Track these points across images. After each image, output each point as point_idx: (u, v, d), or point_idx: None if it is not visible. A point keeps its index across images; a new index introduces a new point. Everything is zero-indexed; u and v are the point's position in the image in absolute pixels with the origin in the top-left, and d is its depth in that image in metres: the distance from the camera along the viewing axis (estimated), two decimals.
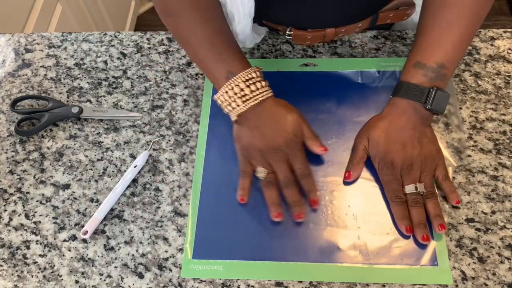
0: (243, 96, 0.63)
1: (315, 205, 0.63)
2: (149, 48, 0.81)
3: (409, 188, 0.61)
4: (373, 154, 0.64)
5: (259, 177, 0.64)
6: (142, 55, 0.80)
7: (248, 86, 0.63)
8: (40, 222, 0.65)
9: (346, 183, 0.65)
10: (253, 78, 0.64)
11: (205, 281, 0.59)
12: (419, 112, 0.63)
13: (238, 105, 0.63)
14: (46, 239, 0.63)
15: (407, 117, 0.63)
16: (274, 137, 0.63)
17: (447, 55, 0.63)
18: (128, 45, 0.82)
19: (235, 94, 0.63)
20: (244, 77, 0.63)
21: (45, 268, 0.61)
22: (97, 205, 0.66)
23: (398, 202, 0.61)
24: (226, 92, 0.64)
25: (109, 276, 0.60)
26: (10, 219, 0.65)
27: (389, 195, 0.62)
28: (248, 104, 0.63)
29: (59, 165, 0.69)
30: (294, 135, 0.63)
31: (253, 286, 0.59)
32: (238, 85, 0.63)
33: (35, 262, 0.62)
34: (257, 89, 0.63)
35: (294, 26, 0.76)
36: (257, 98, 0.63)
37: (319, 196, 0.64)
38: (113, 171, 0.68)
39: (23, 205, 0.66)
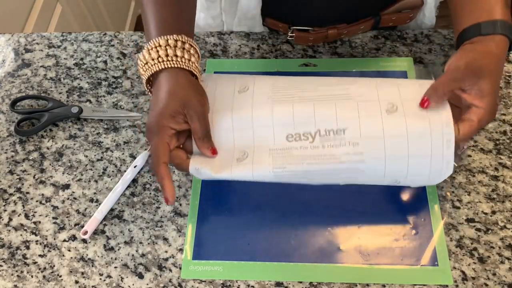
0: (145, 63, 0.57)
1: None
2: None
3: None
4: (478, 91, 0.56)
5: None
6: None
7: (149, 54, 0.57)
8: (40, 222, 0.65)
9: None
10: (160, 45, 0.56)
11: (205, 281, 0.59)
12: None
13: (141, 73, 0.58)
14: (46, 239, 0.63)
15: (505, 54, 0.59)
16: (150, 115, 0.57)
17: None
18: (128, 45, 0.82)
19: (140, 60, 0.58)
20: (151, 44, 0.57)
21: (45, 268, 0.61)
22: (97, 205, 0.65)
23: None
24: (138, 57, 0.59)
25: (109, 276, 0.60)
26: (10, 219, 0.65)
27: None
28: (147, 72, 0.57)
29: (59, 165, 0.69)
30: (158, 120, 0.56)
31: (253, 287, 0.59)
32: (142, 53, 0.58)
33: (35, 262, 0.62)
34: (159, 57, 0.56)
35: (295, 23, 0.76)
36: (154, 68, 0.56)
37: (319, 196, 0.64)
38: (113, 171, 0.68)
39: (23, 205, 0.66)
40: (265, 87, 0.61)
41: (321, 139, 0.57)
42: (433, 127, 0.55)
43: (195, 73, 0.58)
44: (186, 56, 0.56)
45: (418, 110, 0.56)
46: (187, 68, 0.57)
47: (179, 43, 0.57)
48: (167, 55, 0.56)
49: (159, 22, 0.59)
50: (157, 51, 0.56)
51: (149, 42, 0.57)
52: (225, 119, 0.59)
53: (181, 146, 0.59)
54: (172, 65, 0.56)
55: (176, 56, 0.56)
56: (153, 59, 0.56)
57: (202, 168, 0.57)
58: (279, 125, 0.58)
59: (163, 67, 0.56)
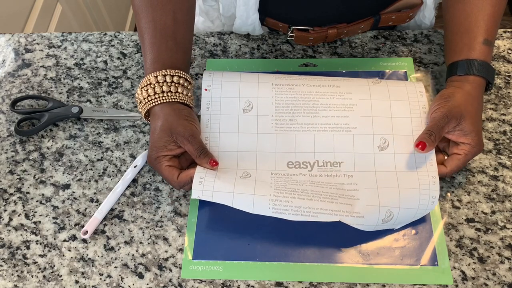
0: (140, 102, 0.64)
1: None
2: None
3: None
4: (464, 132, 0.61)
5: None
6: (142, 55, 0.80)
7: (141, 93, 0.63)
8: (40, 222, 0.65)
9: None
10: (150, 84, 0.63)
11: (205, 281, 0.59)
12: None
13: (139, 110, 0.66)
14: (46, 239, 0.63)
15: (482, 96, 0.65)
16: (148, 149, 0.63)
17: (495, 30, 0.65)
18: (128, 45, 0.82)
19: (137, 96, 0.65)
20: (143, 82, 0.63)
21: (45, 268, 0.61)
22: (97, 205, 0.66)
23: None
24: (136, 94, 0.66)
25: (109, 276, 0.60)
26: (10, 219, 0.65)
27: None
28: (141, 109, 0.64)
29: (59, 165, 0.69)
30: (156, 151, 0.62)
31: (253, 286, 0.59)
32: (137, 91, 0.65)
33: (35, 262, 0.62)
34: (148, 96, 0.63)
35: (295, 23, 0.76)
36: (145, 107, 0.63)
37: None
38: (113, 171, 0.68)
39: (23, 205, 0.66)
40: (268, 104, 0.67)
41: (319, 168, 0.64)
42: (418, 165, 0.62)
43: (182, 102, 0.64)
44: (172, 89, 0.63)
45: (406, 149, 0.63)
46: (173, 100, 0.63)
47: (168, 78, 0.63)
48: (155, 93, 0.62)
49: (154, 56, 0.64)
50: (147, 90, 0.63)
51: (142, 80, 0.64)
52: (231, 141, 0.65)
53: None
54: (161, 101, 0.63)
55: (163, 92, 0.63)
56: (144, 98, 0.63)
57: (207, 176, 0.60)
58: (281, 152, 0.65)
59: (153, 104, 0.63)
